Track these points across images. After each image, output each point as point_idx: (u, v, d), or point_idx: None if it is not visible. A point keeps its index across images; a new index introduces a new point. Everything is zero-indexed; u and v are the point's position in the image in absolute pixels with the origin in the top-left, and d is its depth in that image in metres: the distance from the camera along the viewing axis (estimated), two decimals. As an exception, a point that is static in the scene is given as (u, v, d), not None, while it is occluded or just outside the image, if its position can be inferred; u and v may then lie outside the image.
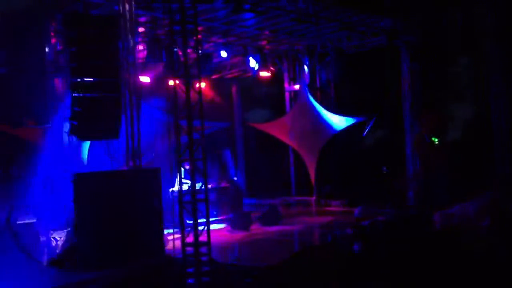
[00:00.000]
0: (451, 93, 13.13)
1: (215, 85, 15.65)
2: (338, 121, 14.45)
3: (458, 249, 7.59)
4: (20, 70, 10.82)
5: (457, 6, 12.65)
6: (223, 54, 13.22)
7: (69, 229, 9.00)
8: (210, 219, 8.66)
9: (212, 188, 12.55)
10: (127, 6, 9.07)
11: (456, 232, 9.15)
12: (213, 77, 15.04)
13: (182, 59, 9.04)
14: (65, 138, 10.07)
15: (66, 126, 9.48)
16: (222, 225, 12.60)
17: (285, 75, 16.25)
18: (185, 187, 8.81)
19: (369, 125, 13.07)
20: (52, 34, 10.21)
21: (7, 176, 10.05)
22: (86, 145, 10.21)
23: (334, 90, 15.42)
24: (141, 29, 11.29)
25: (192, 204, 8.48)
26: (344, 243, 9.04)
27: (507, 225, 8.86)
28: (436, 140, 11.96)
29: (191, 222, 8.17)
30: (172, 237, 9.29)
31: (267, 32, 13.08)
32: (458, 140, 12.96)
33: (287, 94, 16.39)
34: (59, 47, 10.32)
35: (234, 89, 17.17)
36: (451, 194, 12.29)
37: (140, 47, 11.82)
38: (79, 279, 7.10)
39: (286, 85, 16.34)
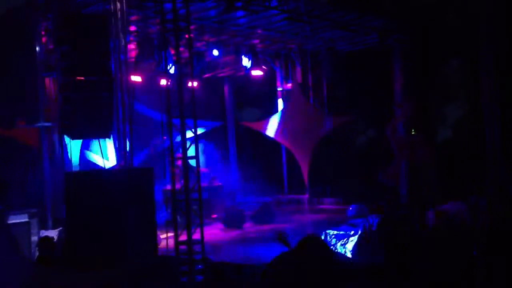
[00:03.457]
0: (443, 92, 13.19)
1: (207, 84, 15.63)
2: (331, 120, 14.49)
3: (453, 248, 7.58)
4: (11, 70, 10.76)
5: (450, 6, 12.71)
6: (215, 52, 13.22)
7: (61, 228, 8.96)
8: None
9: (205, 186, 12.55)
10: (118, 5, 9.03)
11: (451, 231, 9.15)
12: (205, 75, 15.02)
13: (174, 58, 9.04)
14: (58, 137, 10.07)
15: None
16: (215, 224, 12.61)
17: (278, 74, 16.27)
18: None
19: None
20: (43, 33, 10.16)
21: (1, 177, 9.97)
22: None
23: (327, 89, 15.46)
24: (132, 28, 11.26)
25: (185, 203, 8.48)
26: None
27: (500, 226, 8.88)
28: (414, 131, 12.05)
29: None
30: (165, 236, 9.28)
31: (259, 31, 13.07)
32: (449, 140, 13.02)
33: (279, 93, 16.41)
34: (50, 47, 10.28)
35: (226, 88, 17.17)
36: (442, 192, 12.33)
37: (132, 46, 11.78)
38: (70, 277, 7.06)
39: (278, 84, 16.36)
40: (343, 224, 9.77)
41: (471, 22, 12.57)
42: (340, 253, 8.89)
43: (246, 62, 13.69)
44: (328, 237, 9.23)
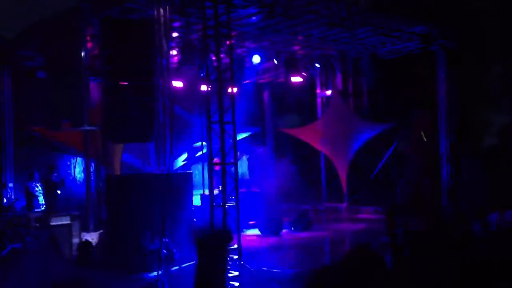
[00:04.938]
0: (488, 99, 12.79)
1: (247, 90, 15.65)
2: (371, 128, 14.26)
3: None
4: (58, 74, 11.07)
5: (495, 10, 12.34)
6: (256, 59, 13.22)
7: (102, 231, 9.11)
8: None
9: (243, 192, 12.53)
10: (161, 11, 9.16)
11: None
12: (245, 82, 15.05)
13: (215, 64, 9.08)
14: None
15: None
16: (252, 230, 12.57)
17: (317, 81, 16.14)
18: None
19: (389, 152, 13.04)
20: (88, 38, 10.41)
21: (47, 179, 10.22)
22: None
23: (367, 96, 15.22)
24: (174, 34, 11.40)
25: (222, 208, 8.47)
26: (378, 251, 8.84)
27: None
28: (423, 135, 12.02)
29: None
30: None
31: (300, 37, 13.01)
32: (494, 147, 12.61)
33: (319, 100, 16.27)
34: (95, 52, 10.52)
35: (265, 94, 17.15)
36: (488, 201, 11.93)
37: (174, 52, 11.93)
38: (110, 279, 7.17)
39: (318, 90, 16.23)
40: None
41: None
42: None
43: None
44: None
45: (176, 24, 10.91)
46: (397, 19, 12.31)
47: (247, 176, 14.32)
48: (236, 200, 8.70)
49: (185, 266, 8.29)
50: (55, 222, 8.90)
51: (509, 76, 12.62)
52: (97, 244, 8.82)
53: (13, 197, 10.88)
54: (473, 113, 13.27)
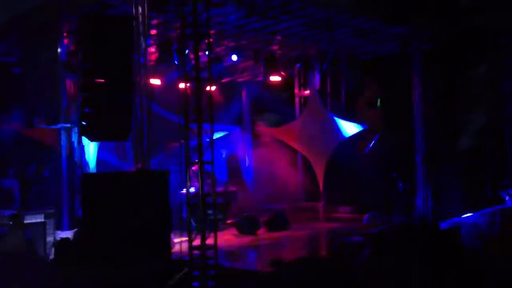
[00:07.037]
0: (463, 100, 13.04)
1: (225, 88, 15.65)
2: (348, 128, 14.39)
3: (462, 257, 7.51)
4: (33, 70, 10.92)
5: (471, 14, 12.57)
6: (234, 57, 13.27)
7: (76, 229, 9.03)
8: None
9: (220, 191, 12.53)
10: (139, 8, 9.10)
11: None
12: (223, 80, 15.05)
13: (193, 62, 9.06)
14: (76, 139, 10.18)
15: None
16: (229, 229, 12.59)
17: (296, 80, 16.22)
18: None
19: (373, 142, 13.21)
20: (65, 34, 10.29)
21: (21, 176, 10.10)
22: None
23: (345, 96, 15.36)
24: (153, 32, 11.34)
25: (200, 207, 8.48)
26: (351, 250, 8.97)
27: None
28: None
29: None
30: (179, 240, 9.30)
31: (279, 37, 13.06)
32: (470, 148, 12.85)
33: (297, 100, 16.36)
34: (71, 48, 10.40)
35: (244, 93, 17.17)
36: (462, 203, 12.19)
37: (152, 49, 11.86)
38: (82, 277, 7.12)
39: (296, 90, 16.32)
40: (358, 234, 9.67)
41: (495, 28, 12.40)
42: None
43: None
44: None
45: (155, 22, 10.86)
46: (375, 22, 12.44)
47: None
48: (213, 199, 8.72)
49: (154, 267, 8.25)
50: (29, 220, 8.77)
51: (484, 77, 12.87)
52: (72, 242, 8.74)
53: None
54: (449, 115, 13.50)
